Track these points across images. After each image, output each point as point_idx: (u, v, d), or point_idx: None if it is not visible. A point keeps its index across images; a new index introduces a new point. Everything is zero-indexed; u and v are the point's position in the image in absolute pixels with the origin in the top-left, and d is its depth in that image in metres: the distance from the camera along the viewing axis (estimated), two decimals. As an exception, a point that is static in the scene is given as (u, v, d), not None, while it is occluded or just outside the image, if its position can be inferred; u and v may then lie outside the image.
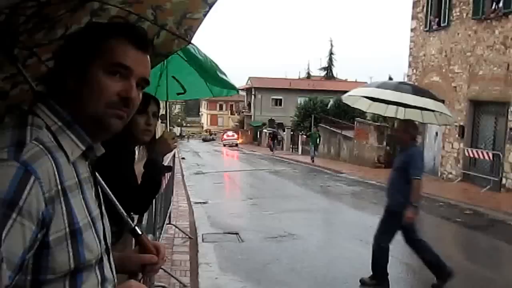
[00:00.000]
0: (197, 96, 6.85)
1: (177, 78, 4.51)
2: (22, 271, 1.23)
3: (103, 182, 1.72)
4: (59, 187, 1.31)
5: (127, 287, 1.50)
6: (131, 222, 1.79)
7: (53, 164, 1.30)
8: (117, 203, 1.92)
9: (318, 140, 34.86)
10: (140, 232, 1.77)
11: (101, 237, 1.46)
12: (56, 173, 1.30)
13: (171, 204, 9.95)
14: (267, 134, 54.85)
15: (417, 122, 7.62)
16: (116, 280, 1.57)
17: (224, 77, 4.79)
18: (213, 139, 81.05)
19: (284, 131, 52.96)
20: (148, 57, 1.55)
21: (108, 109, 1.44)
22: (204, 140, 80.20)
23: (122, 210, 1.92)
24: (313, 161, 31.15)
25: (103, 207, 1.57)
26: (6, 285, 1.17)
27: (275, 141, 50.24)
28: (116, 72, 1.44)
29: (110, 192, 1.90)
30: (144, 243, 1.77)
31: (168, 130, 4.18)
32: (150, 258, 1.74)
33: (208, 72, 4.43)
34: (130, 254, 1.79)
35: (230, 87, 5.17)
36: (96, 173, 1.63)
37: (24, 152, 1.26)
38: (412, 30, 24.75)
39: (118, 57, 1.45)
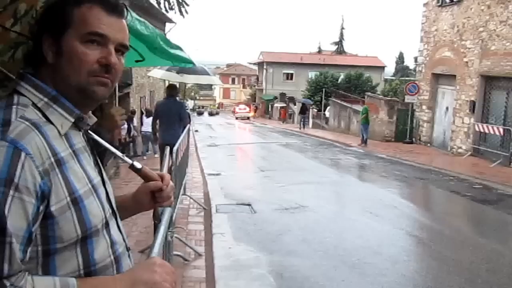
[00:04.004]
0: (157, 64, 7.41)
1: (133, 46, 4.36)
2: (32, 243, 1.29)
3: (96, 136, 1.71)
4: (53, 159, 1.34)
5: (152, 263, 1.52)
6: (128, 160, 1.77)
7: (42, 139, 1.32)
8: (113, 149, 1.88)
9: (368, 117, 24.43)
10: (139, 166, 1.74)
11: (105, 203, 1.51)
12: (46, 146, 1.33)
13: (186, 176, 10.10)
14: (299, 105, 47.79)
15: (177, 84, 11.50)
16: (126, 241, 1.63)
17: (178, 52, 4.77)
18: (217, 113, 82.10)
19: (295, 104, 52.78)
20: (124, 21, 1.55)
21: (90, 78, 1.45)
22: (210, 114, 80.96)
23: (119, 153, 1.89)
24: (364, 144, 23.75)
25: (104, 174, 1.60)
26: (20, 258, 1.23)
27: (306, 114, 42.27)
28: (93, 41, 1.45)
29: (104, 142, 1.85)
30: (147, 174, 1.77)
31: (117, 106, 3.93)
32: (155, 184, 1.76)
33: (158, 48, 4.21)
34: (138, 189, 1.82)
35: (186, 61, 5.25)
36: (93, 139, 1.68)
37: (10, 130, 1.28)
38: (424, 5, 24.62)
39: (92, 25, 1.45)
